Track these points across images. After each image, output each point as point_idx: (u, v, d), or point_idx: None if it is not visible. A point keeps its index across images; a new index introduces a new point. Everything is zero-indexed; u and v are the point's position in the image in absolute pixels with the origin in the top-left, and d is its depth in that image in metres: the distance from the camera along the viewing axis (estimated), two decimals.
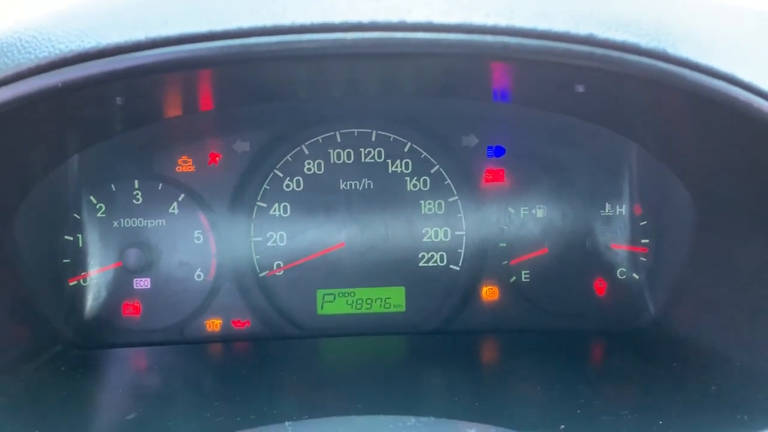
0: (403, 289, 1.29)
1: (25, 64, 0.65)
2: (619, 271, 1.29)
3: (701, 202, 1.09)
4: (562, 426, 0.79)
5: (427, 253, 1.29)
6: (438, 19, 0.63)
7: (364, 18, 0.63)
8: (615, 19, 0.67)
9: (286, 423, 0.76)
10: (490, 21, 0.63)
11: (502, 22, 0.63)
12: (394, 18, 0.63)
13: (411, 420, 0.74)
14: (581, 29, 0.65)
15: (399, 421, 0.75)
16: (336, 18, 0.63)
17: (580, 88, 0.81)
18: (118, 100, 0.82)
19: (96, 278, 1.25)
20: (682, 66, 0.67)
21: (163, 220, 1.26)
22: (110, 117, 1.02)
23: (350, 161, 1.28)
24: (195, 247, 1.26)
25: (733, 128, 0.79)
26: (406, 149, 1.28)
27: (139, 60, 0.64)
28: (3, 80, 0.65)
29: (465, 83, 0.97)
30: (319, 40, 0.63)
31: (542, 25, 0.64)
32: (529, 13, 0.64)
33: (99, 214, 1.24)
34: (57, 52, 0.65)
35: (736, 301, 1.00)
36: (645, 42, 0.66)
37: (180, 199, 1.26)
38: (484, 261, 1.29)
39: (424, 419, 0.75)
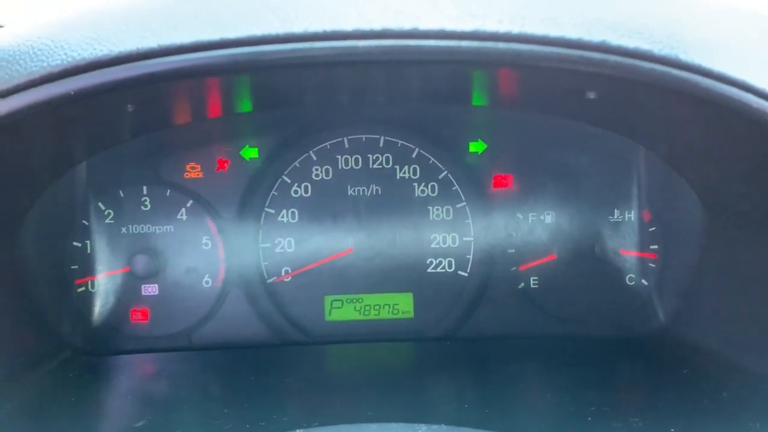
0: (411, 295, 1.29)
1: (38, 72, 0.65)
2: (628, 277, 1.29)
3: (711, 208, 1.09)
4: None
5: (435, 259, 1.29)
6: (450, 26, 0.63)
7: (376, 25, 0.63)
8: (627, 25, 0.67)
9: (297, 431, 0.76)
10: (502, 28, 0.63)
11: (515, 29, 0.63)
12: (406, 25, 0.63)
13: (422, 427, 0.74)
14: (594, 36, 0.64)
15: (410, 428, 0.74)
16: (348, 25, 0.63)
17: (591, 95, 0.81)
18: (129, 108, 0.82)
19: (104, 284, 1.25)
20: (695, 73, 0.67)
21: (171, 227, 1.26)
22: (120, 124, 1.02)
23: (358, 167, 1.28)
24: (203, 253, 1.27)
25: (744, 135, 0.79)
26: (414, 155, 1.29)
27: (152, 68, 0.64)
28: (15, 88, 0.66)
29: (473, 89, 0.97)
30: (330, 48, 0.63)
31: (555, 32, 0.64)
32: (541, 20, 0.64)
33: (107, 221, 1.25)
34: (69, 59, 0.65)
35: (746, 307, 1.00)
36: (658, 49, 0.66)
37: (188, 205, 1.26)
38: (493, 267, 1.29)
39: (435, 426, 0.75)
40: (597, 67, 0.65)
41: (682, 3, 0.73)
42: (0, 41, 0.69)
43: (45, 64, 0.65)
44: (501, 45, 0.62)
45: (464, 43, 0.62)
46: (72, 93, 0.65)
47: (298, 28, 0.63)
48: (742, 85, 0.67)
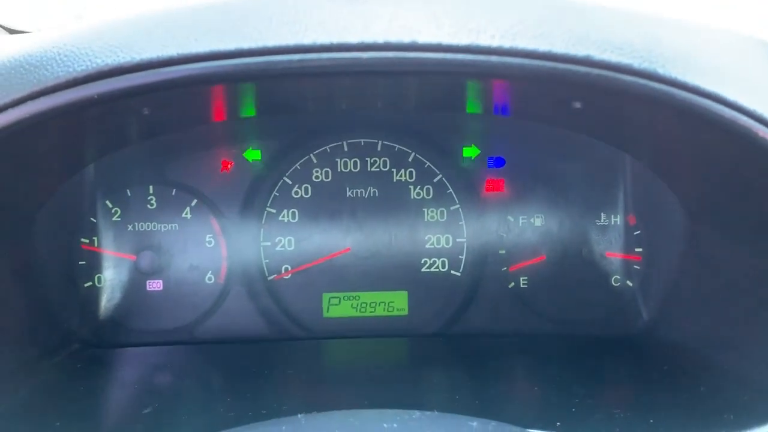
0: (405, 293, 1.33)
1: (64, 77, 0.70)
2: (613, 278, 1.33)
3: (692, 213, 1.13)
4: (558, 423, 0.82)
5: (430, 259, 1.33)
6: (447, 40, 0.67)
7: (379, 39, 0.67)
8: (610, 41, 0.71)
9: (299, 415, 0.79)
10: (495, 43, 0.67)
11: (506, 43, 0.68)
12: (406, 39, 0.68)
13: (416, 413, 0.78)
14: (579, 51, 0.69)
15: (405, 414, 0.78)
16: (353, 38, 0.68)
17: (577, 105, 0.86)
18: (145, 111, 0.86)
19: (110, 280, 1.28)
20: (672, 85, 0.71)
21: (176, 225, 1.29)
22: (130, 127, 1.06)
23: (356, 170, 1.32)
24: (206, 251, 1.30)
25: (720, 144, 0.83)
26: (410, 159, 1.32)
27: (170, 74, 0.68)
28: (43, 91, 0.70)
29: (467, 98, 1.01)
30: (337, 59, 0.67)
31: (543, 46, 0.68)
32: (531, 36, 0.69)
33: (114, 218, 1.28)
34: (94, 65, 0.69)
35: (724, 307, 1.03)
36: (638, 63, 0.71)
37: (192, 204, 1.30)
38: (484, 267, 1.33)
39: (428, 413, 0.79)
40: (581, 80, 0.69)
41: (663, 22, 0.78)
42: (28, 47, 0.73)
43: (71, 69, 0.70)
44: (493, 58, 0.67)
45: (459, 56, 0.67)
46: (96, 96, 0.69)
47: (307, 40, 0.67)
48: (715, 97, 0.72)
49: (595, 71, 0.69)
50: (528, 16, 0.70)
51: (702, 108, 0.73)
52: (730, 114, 0.73)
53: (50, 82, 0.70)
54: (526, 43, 0.68)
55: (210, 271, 1.30)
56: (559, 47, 0.69)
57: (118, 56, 0.69)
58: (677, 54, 0.73)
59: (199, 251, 1.30)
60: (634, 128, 1.04)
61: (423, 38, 0.68)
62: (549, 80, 0.70)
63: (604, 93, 0.74)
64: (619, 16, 0.75)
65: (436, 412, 0.80)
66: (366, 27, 0.68)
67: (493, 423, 0.76)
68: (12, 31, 1.45)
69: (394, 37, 0.68)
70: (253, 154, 1.31)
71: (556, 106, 0.95)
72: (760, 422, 0.79)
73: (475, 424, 0.75)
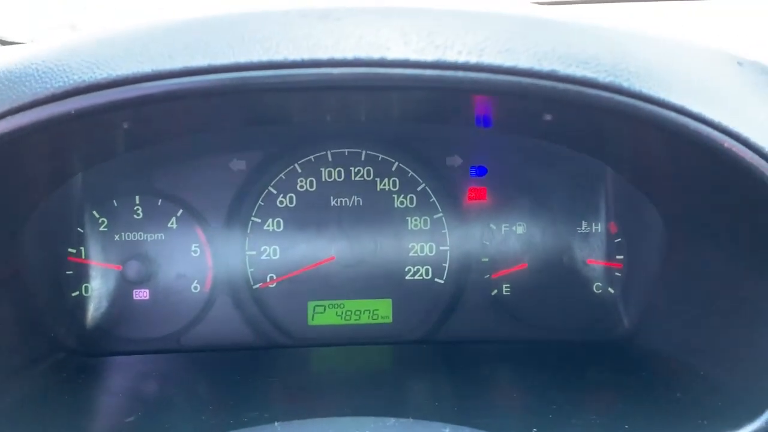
0: (390, 301, 1.34)
1: (42, 93, 0.71)
2: (595, 285, 1.34)
3: (670, 222, 1.15)
4: (534, 429, 0.84)
5: (413, 267, 1.35)
6: (414, 56, 0.69)
7: (349, 55, 0.69)
8: (576, 56, 0.72)
9: (276, 423, 0.81)
10: (461, 58, 0.69)
11: (472, 59, 0.69)
12: (375, 55, 0.69)
13: (390, 420, 0.79)
14: (544, 66, 0.71)
15: (380, 421, 0.79)
16: (323, 55, 0.69)
17: (548, 117, 0.88)
18: (125, 125, 0.88)
19: (97, 289, 1.29)
20: (637, 99, 0.72)
21: (162, 234, 1.30)
22: (115, 139, 1.07)
23: (341, 179, 1.33)
24: (192, 260, 1.31)
25: (690, 155, 0.85)
26: (393, 168, 1.34)
27: (146, 90, 0.70)
28: (21, 107, 0.72)
29: (443, 111, 1.03)
30: (308, 74, 0.69)
31: (508, 62, 0.70)
32: (497, 51, 0.70)
33: (101, 228, 1.29)
34: (71, 82, 0.71)
35: (700, 315, 1.05)
36: (602, 77, 0.72)
37: (178, 214, 1.31)
38: (467, 275, 1.34)
39: (403, 420, 0.80)
40: (547, 94, 0.71)
41: (629, 35, 0.79)
42: (10, 62, 0.74)
43: (48, 86, 0.72)
44: (459, 74, 0.69)
45: (427, 72, 0.69)
46: (72, 112, 0.71)
47: (278, 57, 0.69)
48: (679, 109, 0.73)
49: (561, 86, 0.71)
50: (495, 33, 0.72)
51: (667, 120, 0.74)
52: (694, 126, 0.74)
53: (29, 98, 0.71)
54: (492, 59, 0.70)
55: (196, 280, 1.31)
56: (524, 62, 0.70)
57: (94, 72, 0.70)
58: (642, 67, 0.74)
59: (185, 260, 1.31)
60: (608, 140, 1.06)
61: (391, 54, 0.69)
62: (515, 95, 0.71)
63: (571, 107, 0.75)
64: (585, 31, 0.76)
65: (410, 419, 0.81)
66: (336, 44, 0.70)
67: (466, 430, 0.78)
68: (5, 43, 1.47)
69: (363, 54, 0.69)
70: (238, 165, 1.32)
71: (530, 118, 0.96)
72: (732, 428, 0.79)
73: (447, 430, 0.77)
